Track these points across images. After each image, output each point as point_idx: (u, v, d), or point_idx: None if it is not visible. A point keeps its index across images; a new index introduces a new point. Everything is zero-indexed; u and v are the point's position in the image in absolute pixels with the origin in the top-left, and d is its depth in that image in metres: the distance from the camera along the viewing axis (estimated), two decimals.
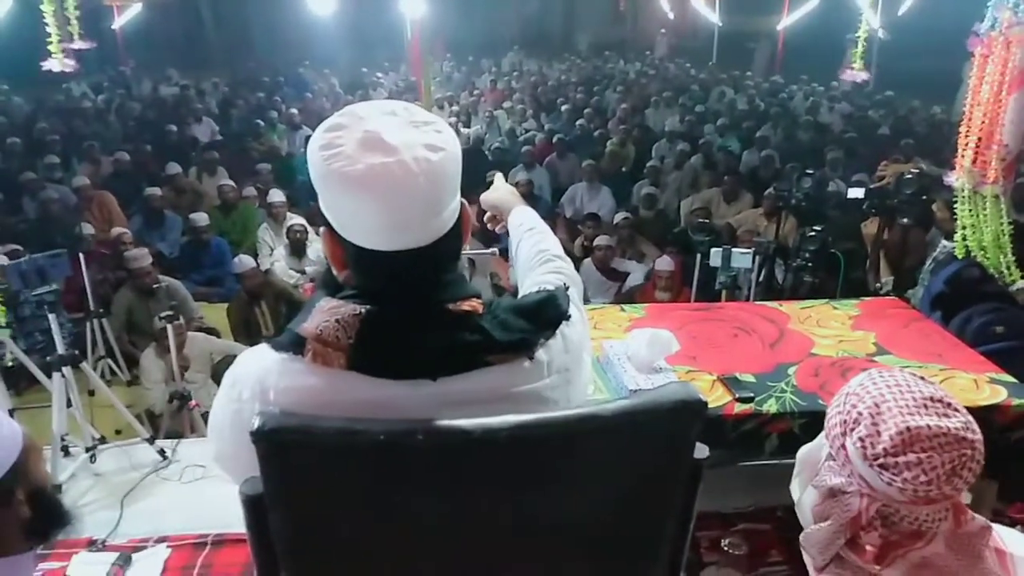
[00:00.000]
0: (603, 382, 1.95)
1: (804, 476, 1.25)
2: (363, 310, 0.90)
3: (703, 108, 11.13)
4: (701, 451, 0.96)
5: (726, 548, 2.01)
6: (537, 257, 1.25)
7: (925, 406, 1.08)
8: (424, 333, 0.91)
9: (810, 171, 4.04)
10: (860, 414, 1.09)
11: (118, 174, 7.71)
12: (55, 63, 3.46)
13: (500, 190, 1.56)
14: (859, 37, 5.14)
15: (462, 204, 0.99)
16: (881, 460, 1.04)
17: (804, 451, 1.27)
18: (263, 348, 0.95)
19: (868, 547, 1.10)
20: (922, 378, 1.13)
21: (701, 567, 2.03)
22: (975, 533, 1.09)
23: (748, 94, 12.49)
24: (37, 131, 9.18)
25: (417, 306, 0.92)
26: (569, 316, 1.02)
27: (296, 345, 0.91)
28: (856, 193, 3.58)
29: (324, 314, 0.91)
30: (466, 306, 0.94)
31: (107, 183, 7.36)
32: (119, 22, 12.67)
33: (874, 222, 4.02)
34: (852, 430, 1.09)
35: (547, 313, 0.99)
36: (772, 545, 2.11)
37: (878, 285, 3.80)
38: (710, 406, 1.85)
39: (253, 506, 0.90)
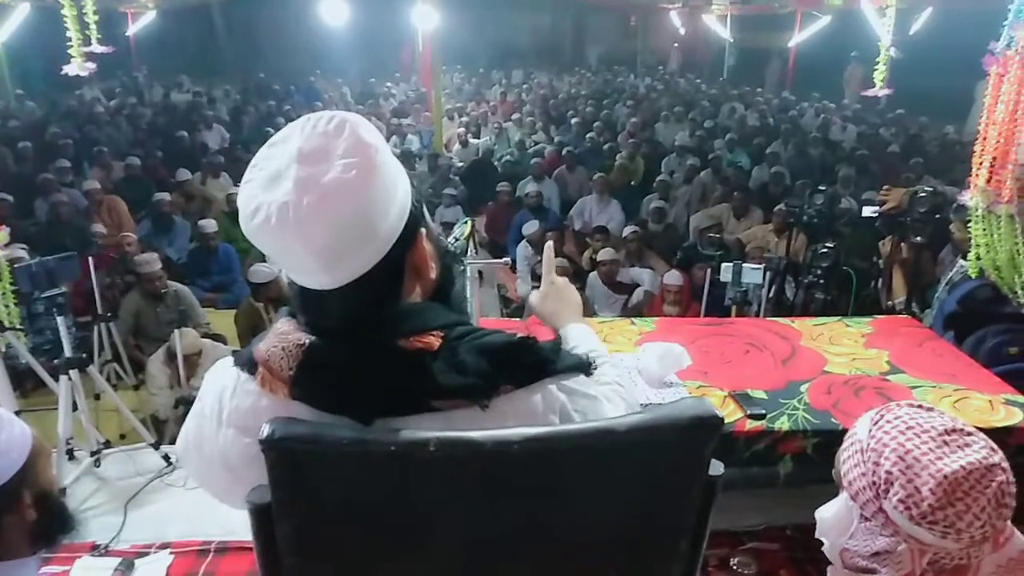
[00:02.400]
0: None
1: (831, 537, 1.21)
2: (307, 341, 0.88)
3: (713, 123, 11.15)
4: (716, 468, 0.94)
5: (734, 567, 1.99)
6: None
7: (946, 443, 1.06)
8: (365, 372, 0.85)
9: (822, 187, 4.03)
10: (889, 473, 1.06)
11: (128, 179, 7.76)
12: (75, 67, 3.47)
13: (552, 299, 1.32)
14: (880, 56, 5.14)
15: (416, 232, 0.91)
16: (930, 517, 1.02)
17: (828, 515, 1.22)
18: (227, 361, 0.94)
19: None
20: (925, 408, 1.11)
21: None
22: (1018, 549, 1.07)
23: (759, 110, 12.50)
24: (49, 135, 9.25)
25: (361, 342, 0.86)
26: (554, 371, 0.90)
27: (251, 365, 0.90)
28: (871, 211, 3.56)
29: (275, 339, 0.90)
30: (419, 343, 0.86)
31: (117, 188, 7.41)
32: (133, 28, 12.79)
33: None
34: (886, 491, 1.06)
35: (520, 357, 0.88)
36: (781, 565, 2.07)
37: (891, 303, 3.77)
38: None
39: (260, 515, 0.88)
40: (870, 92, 5.66)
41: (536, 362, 0.90)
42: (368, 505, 0.87)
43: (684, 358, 1.87)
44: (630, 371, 1.92)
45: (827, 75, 14.12)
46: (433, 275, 0.95)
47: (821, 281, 3.40)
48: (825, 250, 3.43)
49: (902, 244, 3.60)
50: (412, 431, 0.83)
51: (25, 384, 3.80)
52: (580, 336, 1.19)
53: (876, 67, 5.64)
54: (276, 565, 0.91)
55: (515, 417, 0.87)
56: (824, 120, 11.28)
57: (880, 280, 3.99)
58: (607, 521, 0.92)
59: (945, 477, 1.01)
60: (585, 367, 0.96)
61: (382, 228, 0.85)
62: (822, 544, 1.27)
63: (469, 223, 2.12)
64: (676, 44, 19.30)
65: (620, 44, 21.43)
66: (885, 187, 3.62)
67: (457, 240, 1.98)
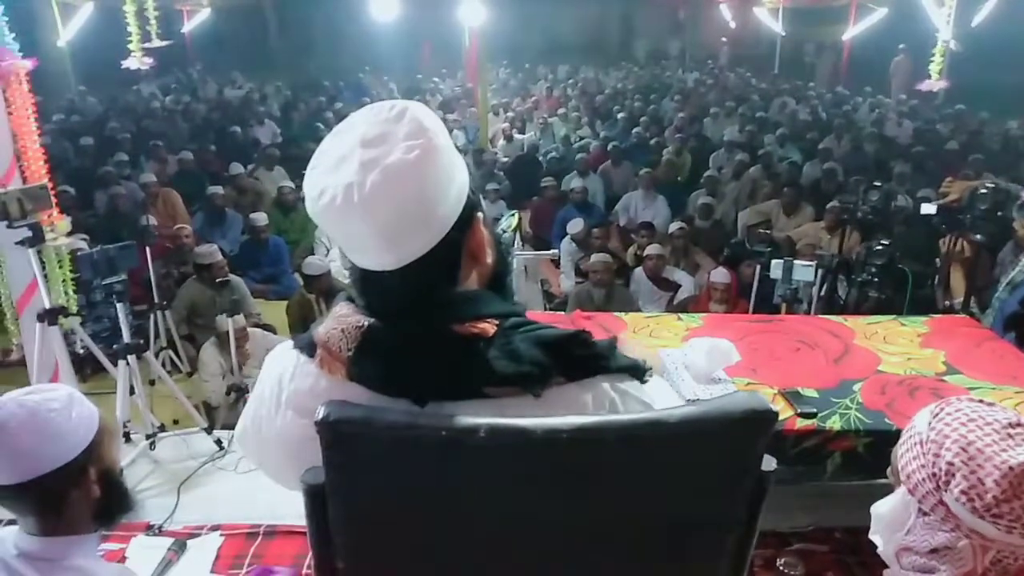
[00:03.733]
0: None
1: (887, 534, 1.17)
2: (367, 323, 0.89)
3: (763, 118, 10.94)
4: (768, 463, 0.92)
5: (781, 568, 1.95)
6: None
7: (1010, 435, 1.02)
8: (421, 354, 0.87)
9: (877, 183, 3.91)
10: (951, 464, 1.02)
11: (183, 173, 7.97)
12: (134, 61, 3.59)
13: None
14: (936, 48, 4.99)
15: (473, 217, 0.93)
16: (994, 510, 0.98)
17: (884, 510, 1.18)
18: (287, 345, 0.97)
19: None
20: (986, 403, 1.08)
21: None
22: None
23: (811, 105, 12.24)
24: (108, 130, 9.56)
25: (418, 325, 0.88)
26: (607, 369, 0.90)
27: (310, 347, 0.92)
28: (928, 209, 3.45)
29: (335, 321, 0.91)
30: (474, 328, 0.87)
31: (172, 181, 7.61)
32: (189, 26, 13.14)
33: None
34: (947, 483, 1.02)
35: (574, 351, 0.88)
36: (829, 567, 2.04)
37: (948, 303, 3.65)
38: None
39: (313, 496, 0.90)
40: (925, 86, 5.50)
41: (590, 357, 0.89)
42: (418, 488, 0.88)
43: (732, 354, 1.84)
44: (677, 366, 1.90)
45: (882, 69, 13.73)
46: (490, 261, 0.96)
47: (875, 280, 3.30)
48: (880, 248, 3.34)
49: (962, 242, 3.49)
50: (463, 417, 0.83)
51: (85, 369, 3.95)
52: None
53: (931, 60, 5.48)
54: (328, 544, 0.93)
55: (565, 410, 0.87)
56: (879, 115, 11.00)
57: (937, 279, 3.87)
58: (655, 514, 0.92)
59: (1011, 469, 0.97)
60: (640, 371, 0.95)
61: (442, 209, 0.87)
62: (875, 547, 1.24)
63: (516, 216, 2.12)
64: (725, 38, 18.99)
65: (668, 38, 21.19)
66: (948, 179, 3.51)
67: (504, 232, 1.98)
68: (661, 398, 1.01)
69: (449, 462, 0.86)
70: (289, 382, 0.94)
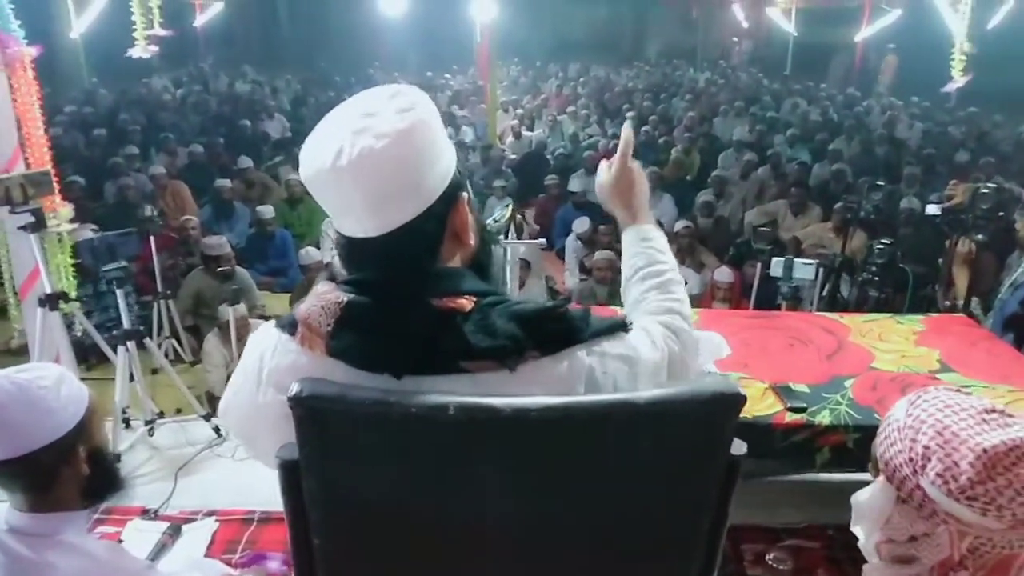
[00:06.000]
0: None
1: (867, 524, 1.18)
2: (346, 299, 0.91)
3: (774, 119, 10.89)
4: (739, 447, 0.93)
5: (770, 563, 1.95)
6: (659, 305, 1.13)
7: (985, 420, 1.03)
8: (399, 328, 0.88)
9: (880, 183, 3.89)
10: (927, 447, 1.02)
11: (192, 165, 8.02)
12: (138, 50, 3.62)
13: (626, 180, 1.32)
14: (955, 48, 4.96)
15: (458, 195, 0.95)
16: (968, 492, 0.98)
17: (863, 499, 1.18)
18: (269, 324, 0.99)
19: None
20: (964, 391, 1.08)
21: None
22: None
23: (822, 106, 12.17)
24: (119, 122, 9.61)
25: (397, 299, 0.90)
26: (581, 339, 0.91)
27: (291, 325, 0.94)
28: (933, 210, 3.43)
29: (315, 298, 0.93)
30: (452, 303, 0.89)
31: (182, 173, 7.66)
32: (200, 20, 13.17)
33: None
34: (923, 467, 1.03)
35: (548, 325, 0.90)
36: (819, 564, 2.03)
37: (948, 303, 3.64)
38: (760, 414, 1.81)
39: (288, 471, 0.91)
40: (949, 87, 5.45)
41: (564, 330, 0.91)
42: (389, 464, 0.89)
43: (723, 347, 1.85)
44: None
45: (898, 71, 13.65)
46: (472, 243, 0.98)
47: (876, 279, 3.29)
48: (881, 247, 3.32)
49: (967, 242, 3.46)
50: (432, 394, 0.84)
51: (90, 358, 3.99)
52: (660, 241, 1.25)
53: (950, 61, 5.44)
54: (303, 520, 0.94)
55: (541, 385, 0.88)
56: (890, 117, 10.91)
57: (939, 280, 3.85)
58: (626, 494, 0.92)
59: (984, 451, 0.97)
60: (620, 326, 0.97)
61: (427, 181, 0.90)
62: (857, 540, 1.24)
63: (510, 207, 2.13)
64: (737, 38, 18.92)
65: (680, 37, 21.09)
66: (953, 182, 3.49)
67: (497, 222, 1.99)
68: (644, 348, 1.01)
69: (419, 439, 0.87)
70: (271, 359, 0.95)
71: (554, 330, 0.91)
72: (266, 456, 1.01)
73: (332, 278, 0.98)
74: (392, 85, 0.94)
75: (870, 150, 8.76)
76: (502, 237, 2.05)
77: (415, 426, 0.85)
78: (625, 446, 0.89)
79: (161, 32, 3.97)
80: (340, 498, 0.92)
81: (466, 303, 0.89)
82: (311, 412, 0.86)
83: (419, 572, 0.98)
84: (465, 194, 0.98)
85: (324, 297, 0.92)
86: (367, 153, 0.86)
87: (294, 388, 0.85)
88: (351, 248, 0.95)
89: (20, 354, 3.21)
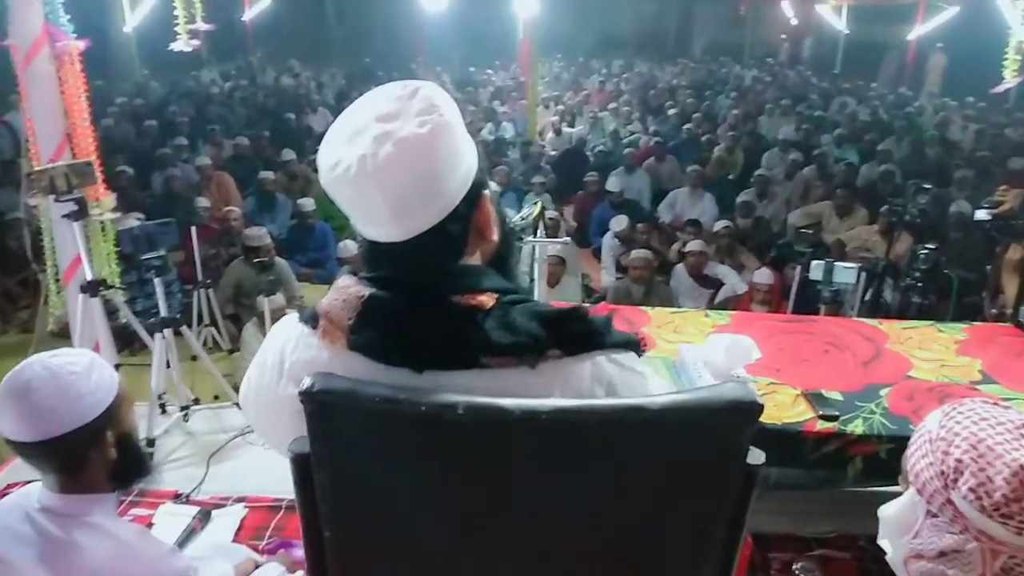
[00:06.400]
0: (675, 387, 1.89)
1: (895, 538, 1.14)
2: (368, 293, 0.91)
3: (822, 118, 10.65)
4: (756, 457, 0.91)
5: (797, 572, 1.91)
6: None
7: (1023, 435, 0.98)
8: (420, 323, 0.88)
9: (927, 186, 3.77)
10: (959, 461, 0.99)
11: (237, 157, 8.17)
12: (180, 44, 3.70)
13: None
14: (1010, 47, 4.78)
15: (480, 194, 0.95)
16: (1003, 510, 0.94)
17: (892, 512, 1.15)
18: (292, 317, 0.99)
19: None
20: (1001, 404, 1.04)
21: None
22: None
23: (871, 105, 11.86)
24: (169, 113, 9.85)
25: (419, 295, 0.89)
26: (604, 344, 0.91)
27: (313, 319, 0.94)
28: (982, 215, 3.31)
29: (337, 292, 0.93)
30: (473, 300, 0.88)
31: (227, 165, 7.81)
32: (249, 14, 13.40)
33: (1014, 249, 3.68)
34: (955, 481, 0.99)
35: (572, 327, 0.89)
36: (849, 575, 1.98)
37: (995, 311, 3.51)
38: (790, 421, 1.77)
39: (300, 465, 0.92)
40: (998, 88, 5.27)
41: (587, 332, 0.90)
42: (399, 462, 0.89)
43: (753, 351, 1.81)
44: (696, 362, 1.87)
45: (951, 70, 13.23)
46: (495, 238, 0.98)
47: (919, 285, 3.18)
48: (925, 252, 3.21)
49: (1016, 249, 3.34)
50: (443, 393, 0.84)
51: (134, 344, 4.09)
52: None
53: (1004, 60, 5.25)
54: (315, 513, 0.94)
55: (561, 385, 0.88)
56: (943, 118, 10.59)
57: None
58: (638, 501, 0.90)
59: (1022, 467, 0.93)
60: (635, 345, 0.96)
61: (450, 183, 0.90)
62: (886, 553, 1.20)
63: (539, 204, 2.11)
64: (786, 35, 18.55)
65: (727, 34, 20.75)
66: (1003, 187, 3.37)
67: (524, 219, 1.98)
68: (653, 375, 1.02)
69: (429, 438, 0.86)
70: (292, 352, 0.96)
71: (577, 331, 0.90)
72: (282, 447, 1.02)
73: (354, 272, 0.98)
74: (409, 82, 0.93)
75: (920, 151, 8.52)
76: (529, 235, 2.04)
77: (424, 424, 0.84)
78: (637, 452, 0.87)
79: (203, 26, 4.05)
80: (350, 492, 0.92)
81: (487, 300, 0.89)
82: (322, 407, 0.86)
83: (427, 569, 0.97)
84: (487, 191, 0.98)
85: (346, 291, 0.93)
86: (392, 160, 0.85)
87: (306, 383, 0.85)
88: (375, 251, 0.94)
89: (62, 338, 3.31)
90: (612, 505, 0.90)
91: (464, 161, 0.92)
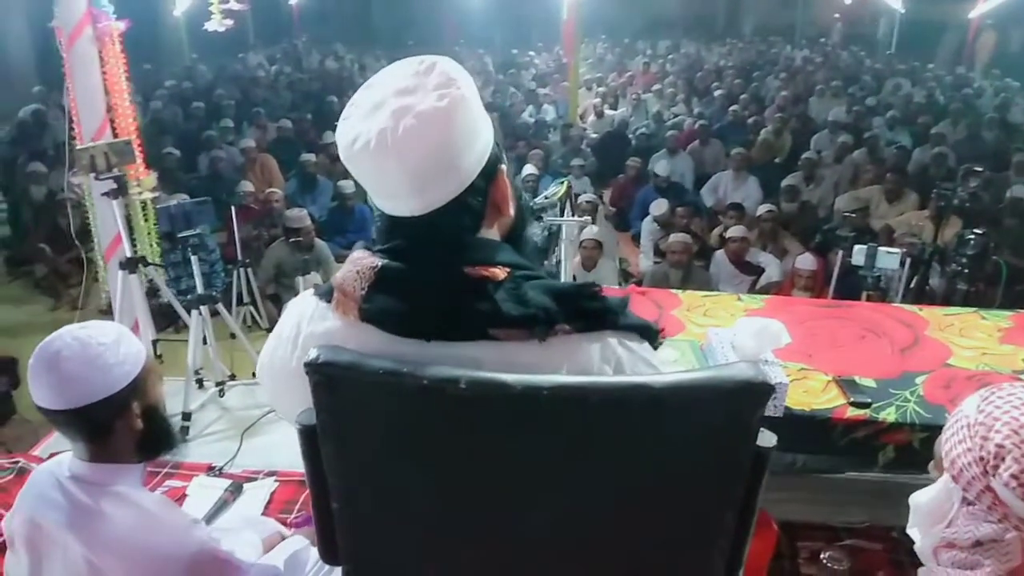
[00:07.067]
0: None
1: (926, 527, 1.10)
2: (380, 263, 0.91)
3: (874, 100, 10.31)
4: (767, 439, 0.88)
5: (825, 562, 1.87)
6: None
7: None
8: (431, 292, 0.88)
9: (978, 168, 3.61)
10: (1000, 446, 0.95)
11: (280, 140, 8.27)
12: (214, 23, 3.75)
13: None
14: None
15: (498, 168, 0.95)
16: None
17: (924, 499, 1.11)
18: (308, 292, 1.00)
19: None
20: None
21: None
22: None
23: (927, 87, 11.43)
24: (215, 96, 10.02)
25: (432, 266, 0.90)
26: (616, 325, 0.90)
27: (328, 293, 0.95)
28: None
29: (351, 264, 0.94)
30: (485, 272, 0.88)
31: (271, 147, 7.91)
32: None
33: None
34: (995, 467, 0.95)
35: (584, 303, 0.89)
36: (880, 566, 1.94)
37: None
38: (820, 407, 1.72)
39: (307, 436, 0.93)
40: None
41: (600, 309, 0.90)
42: (403, 435, 0.89)
43: (783, 335, 1.76)
44: (724, 345, 1.83)
45: (1012, 51, 12.67)
46: (511, 212, 0.98)
47: (965, 271, 3.06)
48: (972, 237, 3.08)
49: None
50: (445, 367, 0.83)
51: (178, 321, 4.19)
52: None
53: None
54: (323, 485, 0.96)
55: (569, 361, 0.87)
56: (1003, 100, 10.14)
57: None
58: (641, 483, 0.89)
59: None
60: (651, 332, 0.95)
61: (469, 157, 0.90)
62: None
63: (565, 183, 2.09)
64: (839, 14, 17.97)
65: (778, 13, 20.16)
66: None
67: (548, 198, 1.95)
68: (672, 365, 0.99)
69: (431, 411, 0.86)
70: (307, 325, 0.97)
71: (589, 308, 0.89)
72: (294, 418, 1.03)
73: (368, 247, 0.99)
74: (426, 57, 0.93)
75: (977, 135, 8.18)
76: (553, 214, 2.02)
77: (426, 397, 0.84)
78: (641, 432, 0.85)
79: (236, 6, 4.09)
80: (356, 465, 0.93)
81: (500, 272, 0.89)
82: (326, 379, 0.87)
83: (433, 543, 0.97)
84: (503, 165, 0.98)
85: (360, 262, 0.93)
86: (412, 134, 0.86)
87: (311, 354, 0.86)
88: (394, 226, 0.94)
89: (110, 315, 3.41)
90: (615, 485, 0.89)
91: (481, 135, 0.92)
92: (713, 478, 0.89)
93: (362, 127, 0.89)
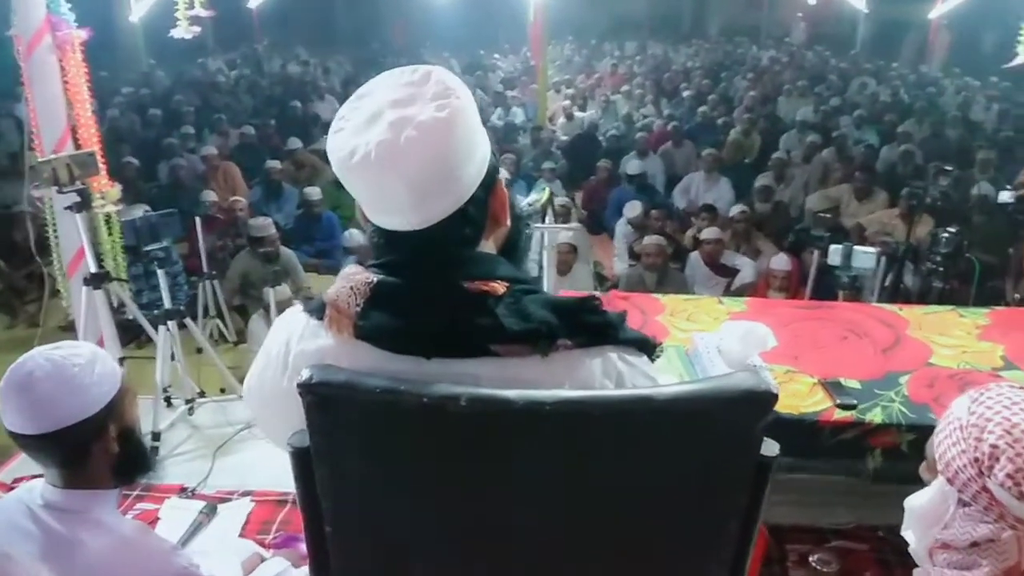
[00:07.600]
0: (689, 376, 1.84)
1: (922, 529, 1.10)
2: (376, 279, 0.88)
3: (840, 100, 10.47)
4: (770, 448, 0.86)
5: (814, 564, 1.87)
6: None
7: None
8: (429, 308, 0.86)
9: (948, 167, 3.67)
10: (994, 447, 0.95)
11: (243, 146, 8.11)
12: (180, 30, 3.67)
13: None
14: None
15: (496, 178, 0.94)
16: None
17: (919, 503, 1.12)
18: (297, 308, 0.97)
19: None
20: None
21: None
22: None
23: (892, 86, 11.65)
24: (174, 103, 9.80)
25: (429, 281, 0.88)
26: (616, 340, 0.89)
27: (319, 309, 0.92)
28: (1005, 197, 3.23)
29: (344, 280, 0.91)
30: (485, 286, 0.86)
31: (233, 154, 7.76)
32: (255, 1, 13.30)
33: None
34: (990, 468, 0.96)
35: (585, 318, 0.87)
36: (868, 567, 1.94)
37: (1018, 296, 3.43)
38: (807, 410, 1.72)
39: (300, 458, 0.90)
40: (1011, 64, 5.19)
41: (601, 324, 0.88)
42: (400, 455, 0.86)
43: (769, 338, 1.75)
44: (710, 350, 1.82)
45: (972, 50, 12.97)
46: (508, 223, 0.97)
47: (940, 269, 3.10)
48: (946, 236, 3.12)
49: None
50: (444, 384, 0.81)
51: (141, 336, 4.07)
52: None
53: (1019, 36, 5.15)
54: (316, 508, 0.92)
55: (570, 377, 0.86)
56: (965, 98, 10.38)
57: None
58: (647, 494, 0.87)
59: None
60: (648, 346, 0.94)
61: (469, 168, 0.89)
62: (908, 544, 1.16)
63: (547, 190, 2.07)
64: (802, 14, 18.25)
65: (743, 14, 20.39)
66: None
67: (531, 205, 1.93)
68: (665, 377, 0.99)
69: (431, 430, 0.84)
70: (297, 344, 0.94)
71: (590, 322, 0.88)
72: (284, 442, 0.99)
73: (360, 262, 0.96)
74: (418, 67, 0.91)
75: (941, 133, 8.36)
76: (538, 221, 1.99)
77: (426, 416, 0.82)
78: (645, 444, 0.84)
79: (203, 13, 4.00)
80: (351, 487, 0.90)
81: (498, 287, 0.87)
82: (320, 399, 0.84)
83: (432, 565, 0.94)
84: (500, 176, 0.96)
85: (353, 278, 0.90)
86: (414, 145, 0.84)
87: (304, 374, 0.83)
88: (391, 241, 0.92)
89: (69, 332, 3.31)
90: (619, 498, 0.87)
91: (480, 145, 0.91)
92: (716, 488, 0.88)
93: (359, 140, 0.86)
